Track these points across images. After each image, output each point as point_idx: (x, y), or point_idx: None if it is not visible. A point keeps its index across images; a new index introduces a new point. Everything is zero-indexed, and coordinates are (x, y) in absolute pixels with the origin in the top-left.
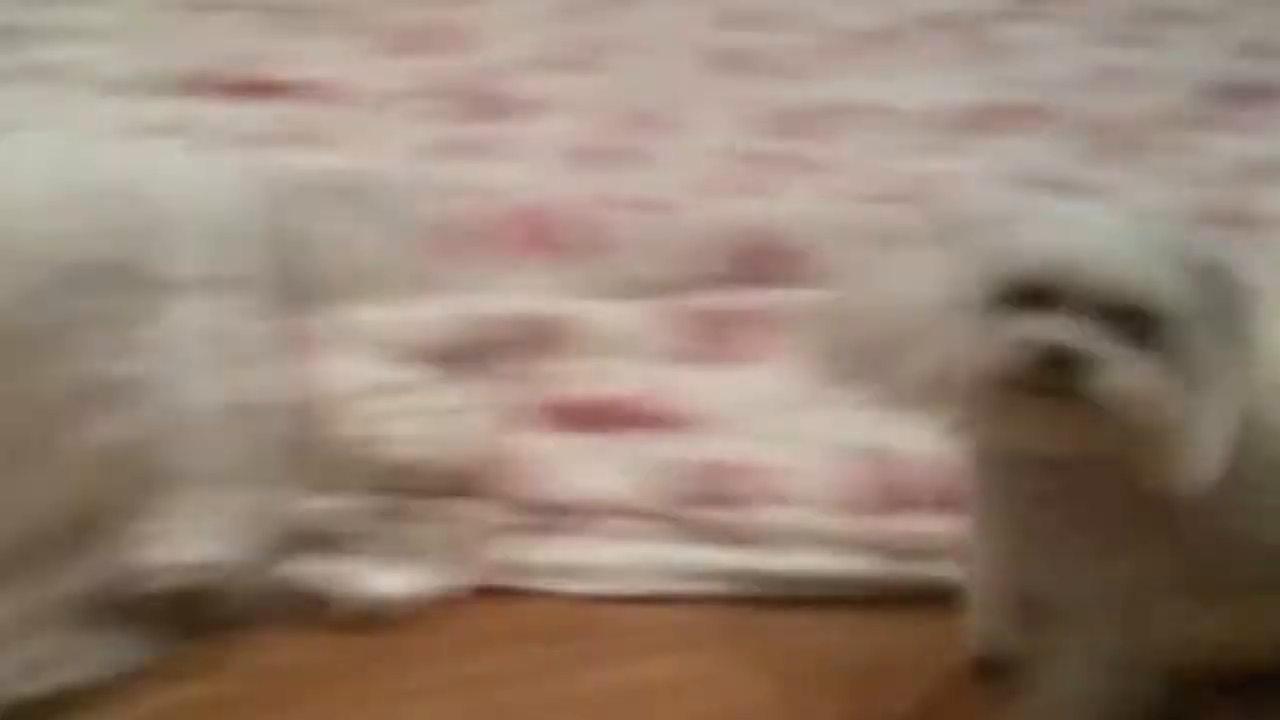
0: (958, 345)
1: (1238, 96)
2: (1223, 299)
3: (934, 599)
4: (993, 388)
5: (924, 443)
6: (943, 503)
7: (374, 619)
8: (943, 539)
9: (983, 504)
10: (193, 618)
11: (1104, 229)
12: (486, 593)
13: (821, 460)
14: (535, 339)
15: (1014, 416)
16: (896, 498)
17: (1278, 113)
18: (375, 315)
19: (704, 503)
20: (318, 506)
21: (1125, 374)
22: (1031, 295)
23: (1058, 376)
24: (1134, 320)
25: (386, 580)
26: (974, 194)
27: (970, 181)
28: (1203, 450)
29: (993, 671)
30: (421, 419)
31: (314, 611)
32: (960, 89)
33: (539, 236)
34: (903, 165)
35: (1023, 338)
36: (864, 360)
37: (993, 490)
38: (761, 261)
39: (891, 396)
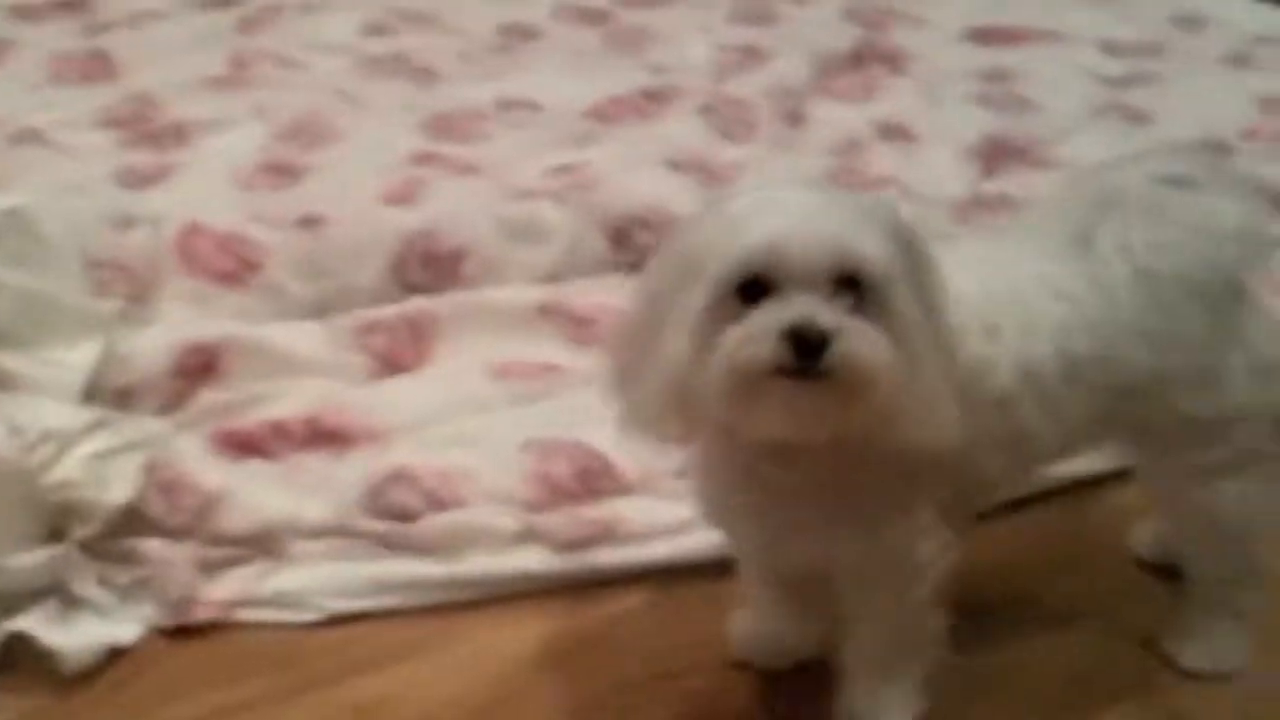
0: (694, 351)
1: (851, 64)
2: (918, 260)
3: (628, 581)
4: (740, 381)
5: (600, 437)
6: (618, 490)
7: (81, 669)
8: (628, 524)
9: (739, 503)
10: None
11: (809, 207)
12: (194, 631)
13: (499, 461)
14: (205, 367)
15: (767, 405)
16: (576, 490)
17: (882, 76)
18: (46, 356)
19: (390, 515)
20: (17, 562)
21: (860, 342)
22: (756, 285)
23: (801, 355)
24: (855, 291)
25: (87, 630)
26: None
27: (619, 169)
28: (940, 407)
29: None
30: (90, 459)
31: (30, 664)
32: (600, 79)
33: (202, 263)
34: (552, 158)
35: (761, 327)
36: (618, 380)
37: (750, 488)
38: (422, 267)
39: (633, 415)
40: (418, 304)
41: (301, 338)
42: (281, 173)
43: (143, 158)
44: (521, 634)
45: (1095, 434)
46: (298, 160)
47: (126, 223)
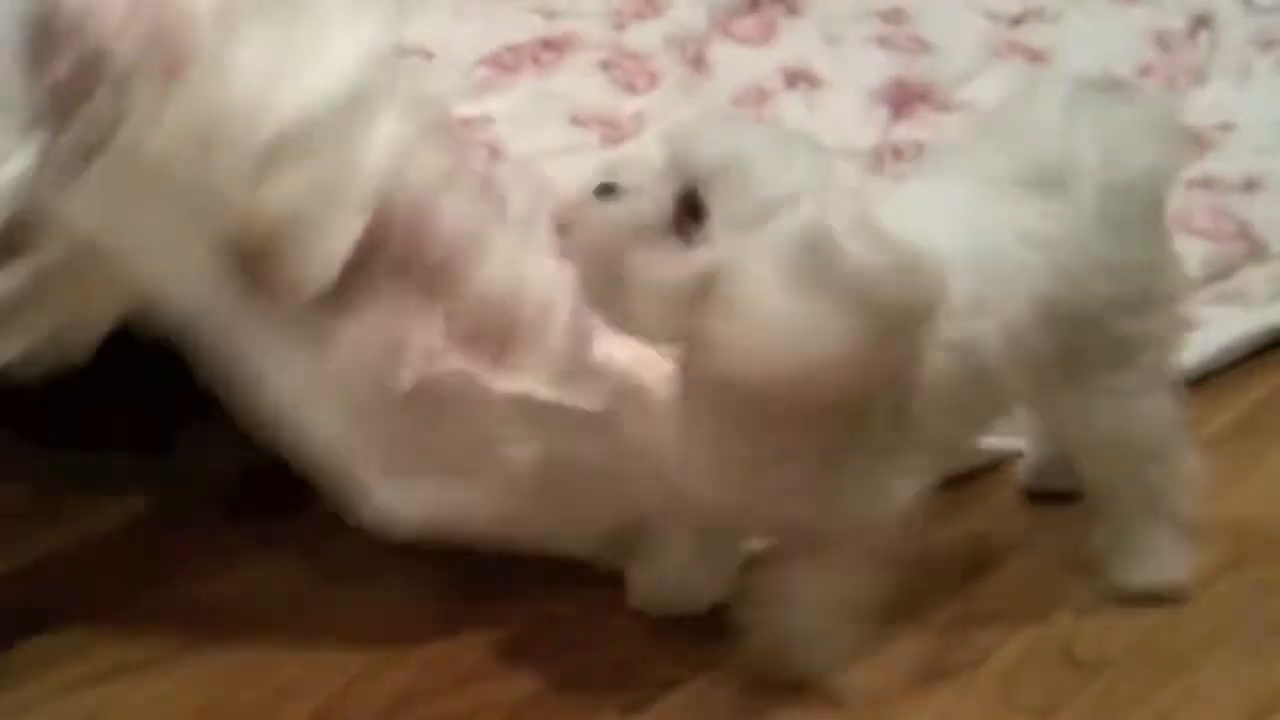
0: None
1: (748, 6)
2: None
3: None
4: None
5: None
6: None
7: None
8: None
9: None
10: None
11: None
12: None
13: None
14: None
15: None
16: None
17: (779, 17)
18: None
19: None
20: None
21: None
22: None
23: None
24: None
25: None
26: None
27: (514, 120)
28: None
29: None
30: None
31: None
32: (495, 26)
33: None
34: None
35: None
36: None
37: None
38: None
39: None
40: None
41: None
42: None
43: None
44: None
45: (1045, 375)
46: None
47: None
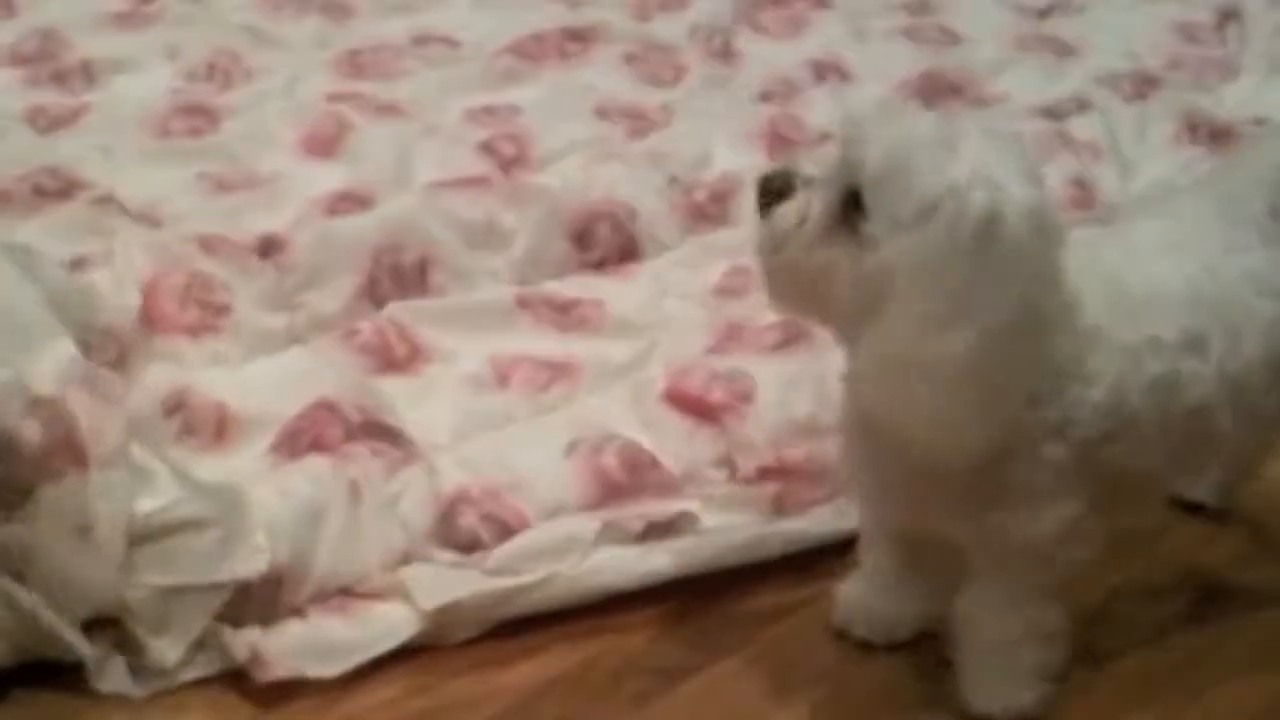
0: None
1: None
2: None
3: None
4: None
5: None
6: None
7: None
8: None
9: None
10: None
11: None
12: None
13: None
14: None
15: None
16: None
17: (808, 10)
18: None
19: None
20: None
21: (793, 206)
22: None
23: (759, 194)
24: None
25: None
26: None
27: (540, 111)
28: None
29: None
30: None
31: None
32: (519, 15)
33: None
34: (473, 99)
35: None
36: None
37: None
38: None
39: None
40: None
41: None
42: (196, 115)
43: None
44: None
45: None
46: (211, 103)
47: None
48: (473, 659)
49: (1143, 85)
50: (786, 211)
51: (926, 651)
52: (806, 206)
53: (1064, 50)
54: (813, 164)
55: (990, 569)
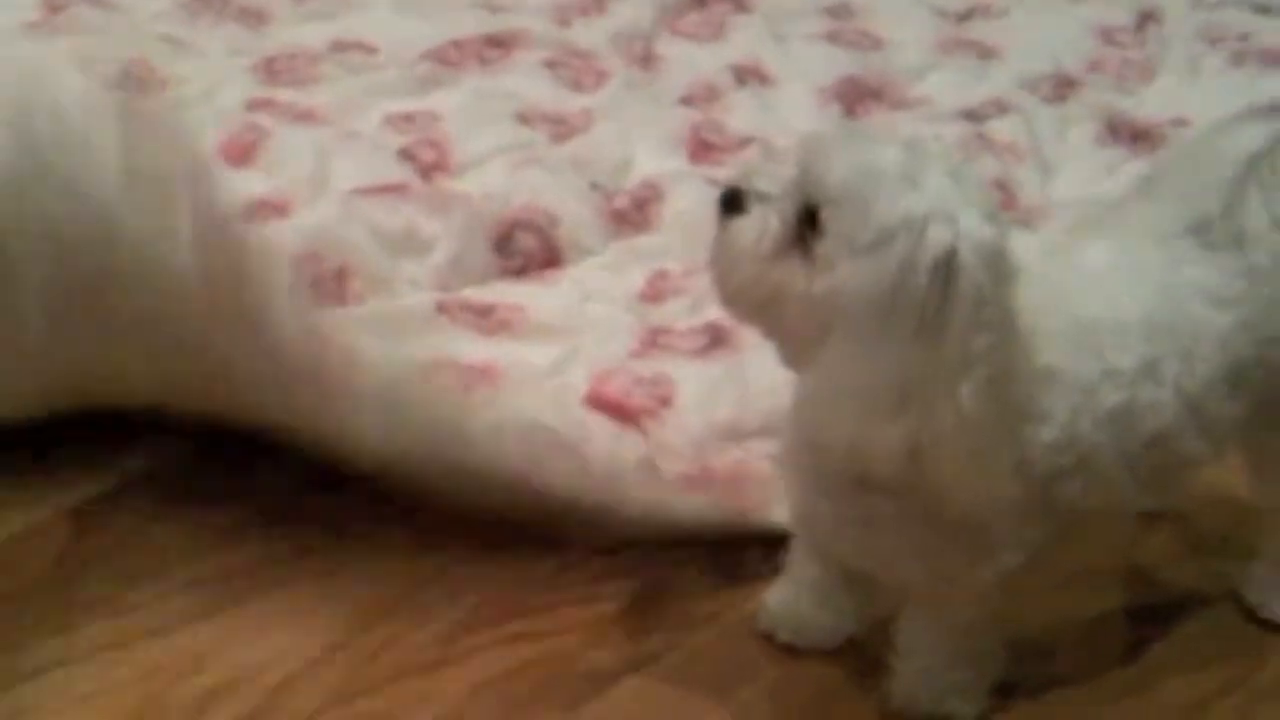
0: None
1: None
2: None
3: None
4: None
5: None
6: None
7: None
8: None
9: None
10: None
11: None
12: None
13: None
14: None
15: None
16: None
17: (728, 13)
18: None
19: None
20: None
21: (749, 221)
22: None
23: (721, 203)
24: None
25: None
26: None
27: (461, 117)
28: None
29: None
30: None
31: None
32: (438, 21)
33: None
34: (393, 105)
35: None
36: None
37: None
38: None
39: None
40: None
41: None
42: None
43: None
44: None
45: (1235, 433)
46: None
47: None
48: (401, 666)
49: (1063, 87)
50: (743, 226)
51: (859, 652)
52: (764, 222)
53: (985, 53)
54: (768, 179)
55: (928, 601)
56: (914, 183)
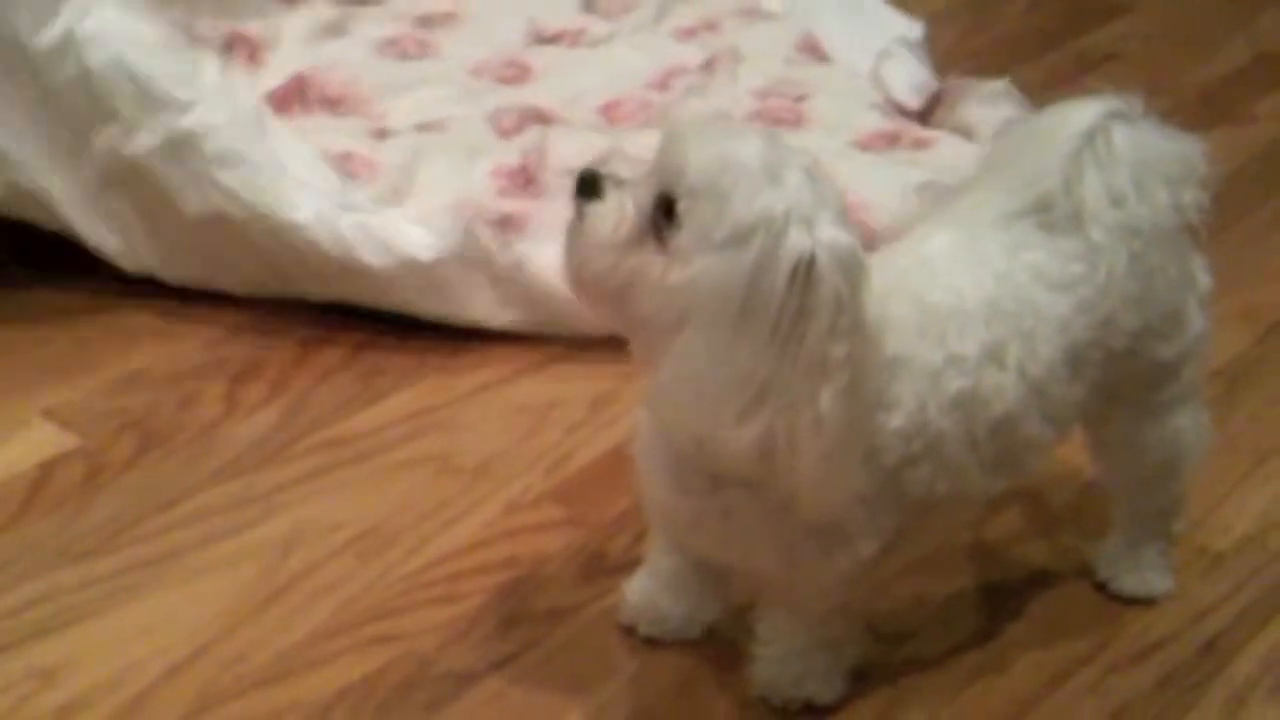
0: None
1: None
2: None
3: None
4: None
5: None
6: None
7: None
8: None
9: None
10: None
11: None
12: None
13: None
14: None
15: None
16: None
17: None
18: None
19: None
20: None
21: (603, 208)
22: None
23: (577, 189)
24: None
25: None
26: None
27: None
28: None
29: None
30: None
31: None
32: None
33: None
34: None
35: None
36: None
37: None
38: None
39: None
40: None
41: None
42: None
43: None
44: None
45: (1078, 413)
46: None
47: None
48: (260, 673)
49: None
50: (600, 211)
51: (719, 641)
52: (620, 209)
53: None
54: (628, 165)
55: (785, 590)
56: (773, 179)
